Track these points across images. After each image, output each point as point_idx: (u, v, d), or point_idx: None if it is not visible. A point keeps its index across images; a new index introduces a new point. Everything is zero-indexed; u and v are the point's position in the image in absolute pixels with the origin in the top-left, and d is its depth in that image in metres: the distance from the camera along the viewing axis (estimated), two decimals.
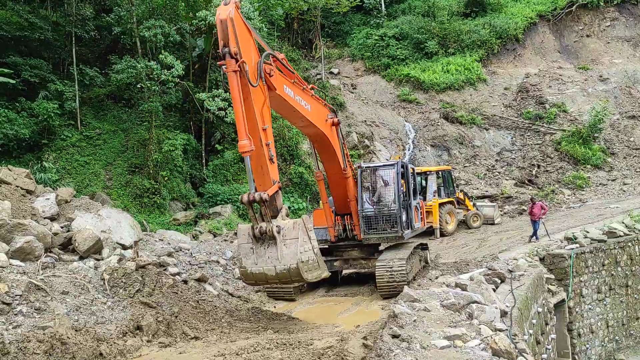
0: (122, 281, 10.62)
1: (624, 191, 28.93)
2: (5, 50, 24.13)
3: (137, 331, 9.24)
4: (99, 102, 27.12)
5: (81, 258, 11.26)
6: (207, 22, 26.52)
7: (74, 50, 25.52)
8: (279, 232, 10.08)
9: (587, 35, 41.92)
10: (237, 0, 10.18)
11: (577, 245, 18.33)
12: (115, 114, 26.95)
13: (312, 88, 13.04)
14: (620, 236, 19.43)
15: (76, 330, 8.58)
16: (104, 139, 25.43)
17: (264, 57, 10.63)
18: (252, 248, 10.27)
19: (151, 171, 23.98)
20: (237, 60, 9.68)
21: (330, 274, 11.13)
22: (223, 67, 9.87)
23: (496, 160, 32.70)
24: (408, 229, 14.81)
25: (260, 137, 10.11)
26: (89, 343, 8.27)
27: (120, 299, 10.16)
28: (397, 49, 39.96)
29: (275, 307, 13.36)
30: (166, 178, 24.30)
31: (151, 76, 23.86)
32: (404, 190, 14.93)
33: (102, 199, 21.39)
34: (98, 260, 11.39)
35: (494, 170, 31.68)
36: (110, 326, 9.15)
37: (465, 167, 31.84)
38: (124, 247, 12.54)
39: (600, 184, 30.32)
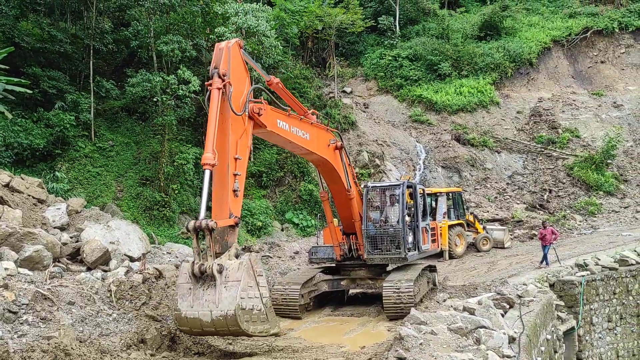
0: (128, 293, 10.63)
1: (637, 219, 28.56)
2: (26, 61, 24.55)
3: (141, 344, 9.23)
4: (113, 114, 27.41)
5: (89, 269, 11.31)
6: (224, 38, 26.88)
7: (91, 62, 25.91)
8: (220, 272, 8.86)
9: (602, 62, 41.84)
10: (240, 41, 10.45)
11: (588, 272, 18.08)
12: (129, 126, 27.22)
13: (313, 113, 13.08)
14: (632, 264, 19.13)
15: (80, 342, 8.59)
16: (116, 151, 25.64)
17: (252, 90, 10.53)
18: (191, 288, 9.04)
19: (162, 184, 24.09)
20: (223, 80, 9.78)
21: (280, 332, 9.93)
22: (209, 86, 9.82)
23: (507, 184, 32.51)
24: (415, 250, 14.71)
25: (228, 162, 9.69)
26: (92, 355, 8.26)
27: (125, 311, 10.15)
28: (411, 69, 40.13)
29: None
30: (176, 191, 24.39)
31: (167, 90, 24.13)
32: (412, 211, 14.87)
33: (112, 210, 21.51)
34: (105, 271, 11.43)
35: (505, 194, 31.48)
36: (115, 338, 9.15)
37: (476, 189, 31.67)
38: (132, 259, 12.58)
39: (612, 210, 29.99)
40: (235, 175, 9.72)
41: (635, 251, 19.96)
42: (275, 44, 28.86)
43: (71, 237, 11.95)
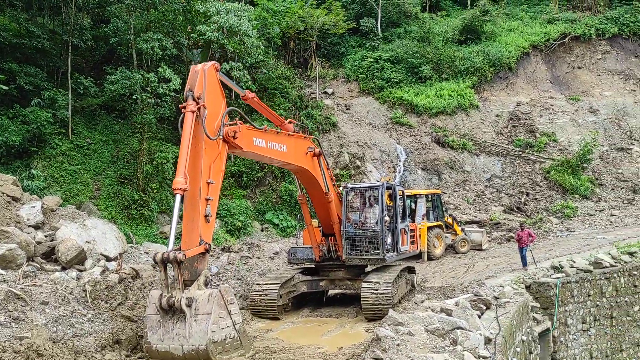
0: (104, 293, 10.50)
1: (611, 222, 29.10)
2: (2, 56, 24.10)
3: (117, 345, 9.13)
4: (91, 112, 27.05)
5: (63, 268, 11.14)
6: (205, 37, 26.72)
7: (69, 59, 25.54)
8: (189, 306, 8.74)
9: (579, 67, 42.57)
10: (216, 64, 10.38)
11: (563, 274, 18.34)
12: (107, 124, 26.88)
13: (290, 122, 13.06)
14: (607, 267, 19.46)
15: (54, 342, 8.45)
16: (94, 149, 25.30)
17: (226, 113, 10.41)
18: (160, 321, 8.90)
19: (140, 183, 23.85)
20: (197, 103, 9.69)
21: (255, 352, 9.87)
22: (182, 109, 9.68)
23: (486, 186, 32.87)
24: (393, 251, 14.77)
25: (200, 187, 9.52)
26: (66, 355, 8.13)
27: (101, 311, 10.02)
28: (392, 72, 40.35)
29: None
30: (155, 190, 24.17)
31: (147, 88, 23.89)
32: (391, 213, 14.93)
33: (89, 209, 21.23)
34: (81, 271, 11.27)
35: (483, 196, 31.82)
36: (89, 339, 9.02)
37: (455, 191, 31.95)
38: (108, 259, 12.42)
39: (587, 214, 30.51)
40: (207, 200, 9.54)
41: (609, 254, 20.31)
42: (257, 43, 28.80)
43: (46, 236, 11.76)
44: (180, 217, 9.46)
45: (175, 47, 26.42)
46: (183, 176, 9.11)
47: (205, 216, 9.43)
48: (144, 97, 23.91)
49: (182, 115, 9.69)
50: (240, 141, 10.53)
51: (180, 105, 9.96)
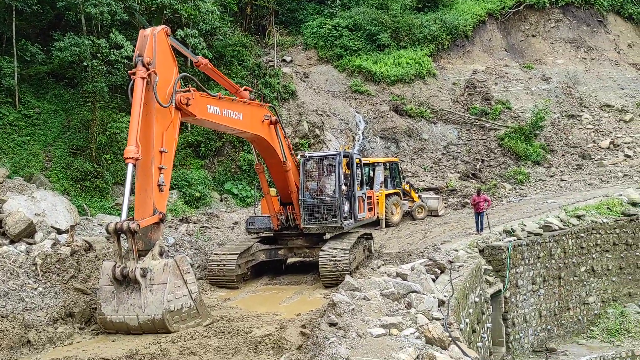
0: (55, 266, 10.28)
1: (561, 187, 30.14)
2: None
3: (69, 318, 8.98)
4: (39, 80, 25.96)
5: (12, 242, 10.83)
6: (158, 1, 25.80)
7: (14, 24, 24.26)
8: (144, 276, 8.67)
9: (533, 35, 43.27)
10: (167, 28, 10.12)
11: (515, 238, 18.98)
12: (57, 93, 25.88)
13: (245, 89, 12.86)
14: (555, 230, 20.24)
15: (2, 317, 8.26)
16: (43, 119, 24.39)
17: (178, 79, 10.17)
18: (114, 292, 8.81)
19: (94, 154, 23.21)
20: (147, 69, 9.43)
21: (213, 321, 9.79)
22: (132, 75, 9.40)
23: (442, 154, 33.41)
24: (351, 219, 14.94)
25: (153, 156, 9.33)
26: (15, 330, 7.97)
27: (52, 284, 9.82)
28: (350, 39, 40.05)
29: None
30: (109, 161, 23.58)
31: (97, 55, 23.01)
32: (349, 181, 15.05)
33: (40, 181, 20.57)
34: (30, 244, 10.98)
35: (440, 164, 32.37)
36: (40, 313, 8.85)
37: (412, 159, 32.38)
38: (60, 232, 12.12)
39: (539, 179, 31.49)
40: (160, 169, 9.35)
41: (558, 217, 21.09)
42: (213, 9, 28.01)
43: None
44: (134, 187, 9.27)
45: (127, 13, 25.43)
46: (135, 145, 8.89)
47: (159, 185, 9.28)
48: (95, 64, 23.06)
49: (131, 82, 9.39)
50: (194, 109, 10.29)
51: (129, 72, 9.65)
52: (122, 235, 8.77)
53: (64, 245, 11.00)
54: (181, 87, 10.29)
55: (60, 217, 12.37)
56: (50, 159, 23.21)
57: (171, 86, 9.89)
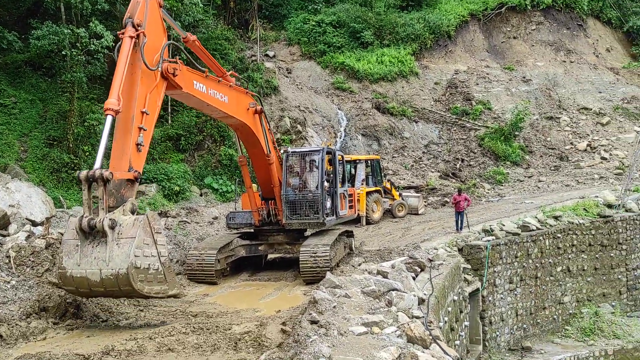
0: (29, 259, 10.02)
1: (539, 188, 30.51)
2: None
3: (43, 312, 8.75)
4: (16, 69, 25.38)
5: None
6: None
7: None
8: (112, 228, 8.14)
9: (514, 37, 43.70)
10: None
11: (494, 237, 19.17)
12: (34, 82, 25.32)
13: (232, 75, 12.73)
14: (533, 230, 20.48)
15: None
16: (19, 108, 23.84)
17: (166, 45, 10.01)
18: (78, 245, 8.27)
19: (71, 145, 22.75)
20: (136, 30, 9.25)
21: (180, 293, 9.47)
22: (121, 35, 9.19)
23: (423, 153, 33.57)
24: (332, 215, 14.91)
25: (134, 114, 9.06)
26: None
27: (26, 278, 9.57)
28: (334, 36, 39.96)
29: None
30: (87, 153, 23.13)
31: (76, 44, 22.54)
32: (331, 177, 15.00)
33: (15, 171, 20.11)
34: (4, 236, 10.70)
35: (421, 162, 32.52)
36: (13, 307, 8.61)
37: (393, 157, 32.46)
38: (35, 224, 11.84)
39: (517, 180, 31.83)
40: (140, 128, 9.07)
41: (536, 218, 21.35)
42: (196, 1, 27.67)
43: None
44: (111, 141, 8.98)
45: (108, 2, 24.95)
46: (116, 98, 8.63)
47: (137, 144, 8.97)
48: (74, 53, 22.58)
49: (119, 43, 9.18)
50: (180, 80, 10.17)
51: (118, 32, 9.40)
52: (94, 185, 8.34)
53: (38, 237, 10.73)
54: (169, 57, 10.13)
55: (36, 208, 12.08)
56: (26, 149, 22.70)
57: (159, 53, 9.73)
